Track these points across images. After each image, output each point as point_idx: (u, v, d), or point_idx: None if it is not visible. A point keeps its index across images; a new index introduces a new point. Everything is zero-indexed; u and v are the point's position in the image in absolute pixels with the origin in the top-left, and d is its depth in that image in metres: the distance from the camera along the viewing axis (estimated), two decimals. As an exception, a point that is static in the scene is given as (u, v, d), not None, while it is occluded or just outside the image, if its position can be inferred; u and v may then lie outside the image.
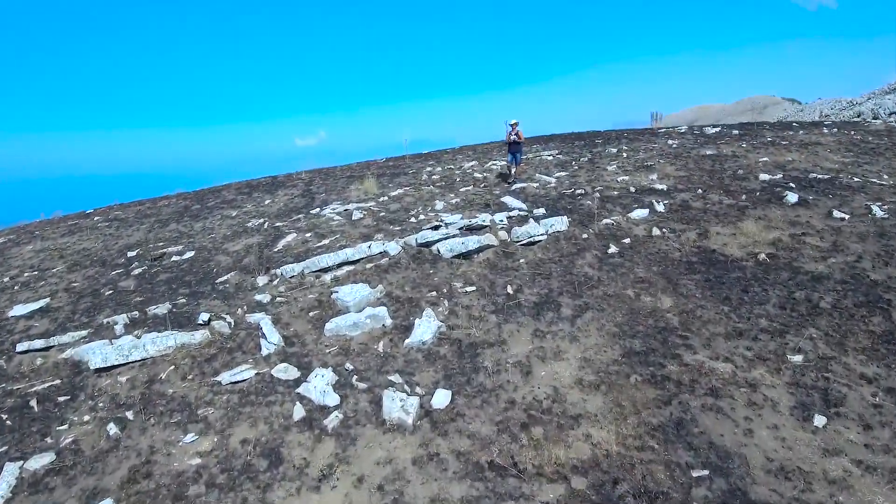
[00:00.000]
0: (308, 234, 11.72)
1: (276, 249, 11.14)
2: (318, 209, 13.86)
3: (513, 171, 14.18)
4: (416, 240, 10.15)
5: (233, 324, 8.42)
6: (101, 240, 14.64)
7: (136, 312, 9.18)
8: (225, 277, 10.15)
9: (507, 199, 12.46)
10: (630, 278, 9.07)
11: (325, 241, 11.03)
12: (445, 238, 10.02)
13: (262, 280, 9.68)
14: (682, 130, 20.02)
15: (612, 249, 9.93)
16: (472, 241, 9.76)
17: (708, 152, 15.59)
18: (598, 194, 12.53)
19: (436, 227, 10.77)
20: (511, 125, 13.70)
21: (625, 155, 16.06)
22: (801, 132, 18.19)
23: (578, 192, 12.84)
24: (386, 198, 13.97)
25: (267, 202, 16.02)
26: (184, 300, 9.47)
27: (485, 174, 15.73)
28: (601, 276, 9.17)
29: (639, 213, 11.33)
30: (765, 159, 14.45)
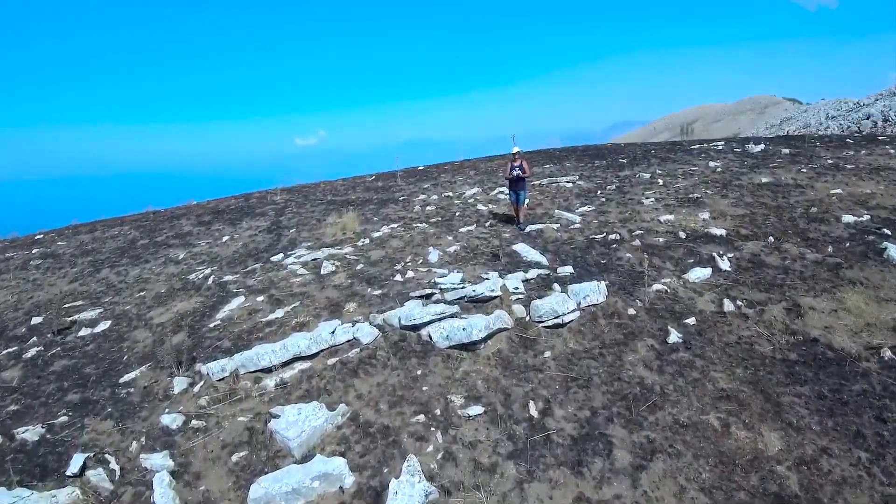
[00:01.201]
0: (260, 298, 8.88)
1: (212, 324, 8.28)
2: (281, 255, 11.01)
3: (520, 215, 11.09)
4: (400, 318, 7.31)
5: (118, 474, 5.58)
6: (17, 291, 11.81)
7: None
8: (133, 374, 7.28)
9: (521, 248, 9.62)
10: (708, 391, 6.23)
11: (279, 313, 8.17)
12: (440, 318, 7.18)
13: (179, 383, 6.82)
14: (720, 147, 17.19)
15: (674, 337, 7.09)
16: (478, 326, 6.92)
17: (763, 180, 12.74)
18: (638, 241, 9.70)
19: (427, 296, 7.94)
20: (513, 156, 10.80)
21: (661, 182, 13.21)
22: (862, 152, 15.35)
23: (612, 236, 9.99)
24: (367, 240, 11.12)
25: (225, 239, 13.16)
26: (66, 417, 6.61)
27: (490, 206, 12.88)
28: (664, 385, 6.34)
29: (698, 274, 8.50)
30: (837, 191, 11.61)
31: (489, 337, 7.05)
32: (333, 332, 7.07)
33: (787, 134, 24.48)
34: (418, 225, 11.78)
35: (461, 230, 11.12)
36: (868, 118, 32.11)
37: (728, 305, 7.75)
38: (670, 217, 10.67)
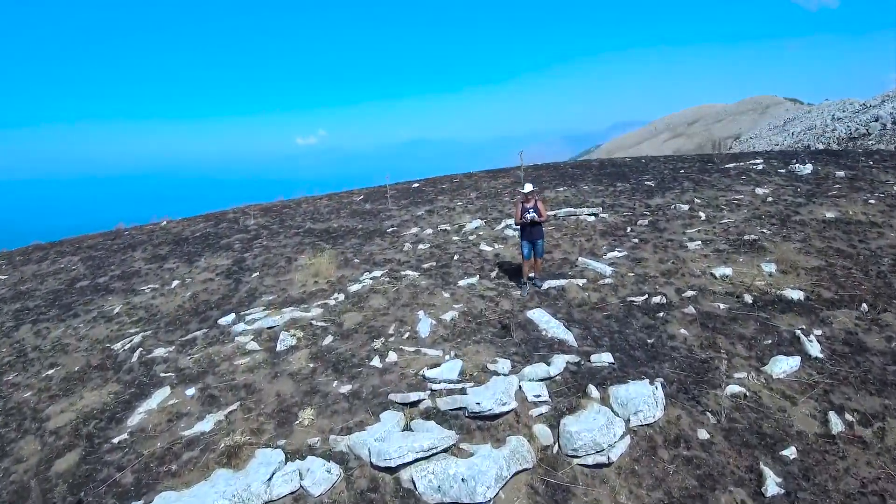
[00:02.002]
0: (190, 392, 6.60)
1: (118, 437, 6.00)
2: (232, 316, 8.70)
3: (537, 268, 8.47)
4: (371, 453, 5.04)
5: None
6: None
7: None
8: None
9: (539, 317, 7.35)
10: None
11: (208, 423, 5.89)
12: (428, 455, 4.92)
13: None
14: (760, 166, 14.89)
15: (771, 484, 4.83)
16: (486, 475, 4.65)
17: (828, 215, 10.46)
18: (692, 308, 7.43)
19: (413, 403, 5.68)
20: (525, 196, 8.25)
21: (702, 215, 10.91)
22: (931, 173, 13.11)
23: (656, 299, 7.72)
24: (342, 295, 8.83)
25: (175, 284, 10.87)
26: None
27: (495, 245, 10.58)
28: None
29: (783, 365, 6.23)
30: (927, 231, 9.36)
31: (501, 484, 4.79)
32: (270, 480, 4.80)
33: (829, 148, 22.21)
34: (407, 273, 9.48)
35: (460, 283, 8.83)
36: (877, 120, 30.27)
37: (835, 422, 5.49)
38: (727, 271, 8.38)
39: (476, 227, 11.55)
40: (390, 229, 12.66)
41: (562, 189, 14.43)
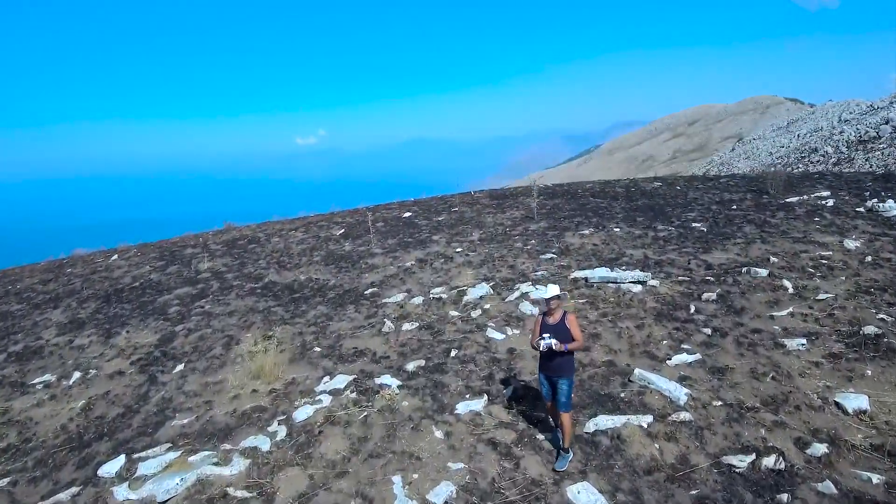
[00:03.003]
0: None
1: None
2: (120, 463, 5.80)
3: (563, 431, 5.05)
4: None
5: None
6: None
7: None
8: None
9: (586, 501, 4.54)
10: None
11: None
12: None
13: None
14: (830, 202, 12.01)
15: None
16: None
17: (966, 287, 7.62)
18: (831, 486, 4.60)
19: None
20: (548, 303, 5.11)
21: (788, 285, 7.99)
22: None
23: (768, 462, 4.87)
24: (283, 430, 5.96)
25: (75, 378, 7.99)
26: None
27: (507, 330, 7.65)
28: None
29: None
30: None
31: None
32: None
33: (888, 172, 19.83)
34: (384, 382, 6.60)
35: (459, 409, 5.96)
36: (887, 123, 28.35)
37: None
38: (860, 401, 5.51)
39: (481, 297, 8.64)
40: (369, 290, 9.78)
41: (587, 232, 11.54)
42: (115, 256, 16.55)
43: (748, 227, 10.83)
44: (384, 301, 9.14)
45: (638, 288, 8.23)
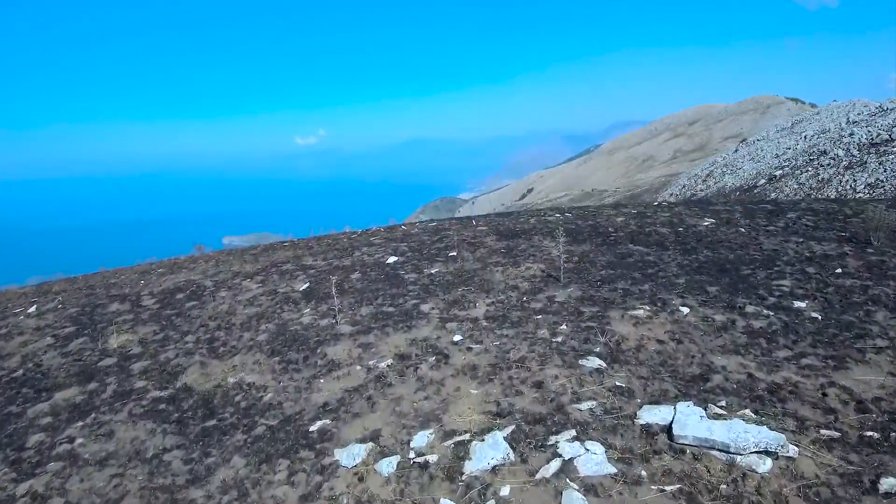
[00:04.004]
0: None
1: None
2: None
3: None
4: None
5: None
6: None
7: None
8: None
9: None
10: None
11: None
12: None
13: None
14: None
15: None
16: None
17: None
18: None
19: None
20: None
21: None
22: None
23: None
24: None
25: None
26: None
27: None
28: None
29: None
30: None
31: None
32: None
33: None
34: None
35: None
36: None
37: None
38: None
39: (494, 467, 5.13)
40: (318, 424, 6.24)
41: (640, 312, 7.95)
42: (33, 308, 13.16)
43: (881, 314, 7.35)
44: (335, 459, 5.64)
45: (766, 465, 4.75)
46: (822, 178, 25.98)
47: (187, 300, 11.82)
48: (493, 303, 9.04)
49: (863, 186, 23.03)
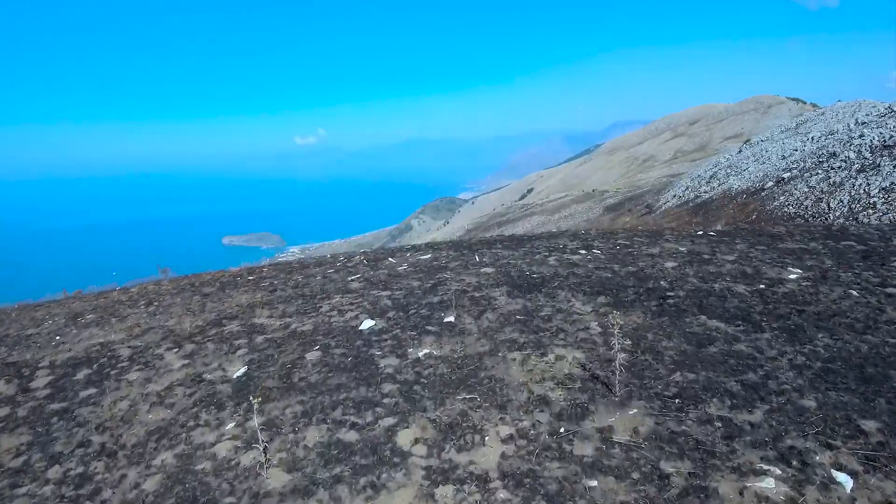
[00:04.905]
0: None
1: None
2: None
3: None
4: None
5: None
6: None
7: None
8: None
9: None
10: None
11: None
12: None
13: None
14: None
15: None
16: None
17: None
18: None
19: None
20: None
21: None
22: None
23: None
24: None
25: None
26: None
27: None
28: None
29: None
30: None
31: None
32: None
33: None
34: None
35: None
36: None
37: None
38: None
39: None
40: None
41: (768, 483, 2.46)
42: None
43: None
44: None
45: None
46: (834, 182, 25.18)
47: (86, 385, 6.90)
48: (511, 437, 4.46)
49: (877, 191, 22.21)
